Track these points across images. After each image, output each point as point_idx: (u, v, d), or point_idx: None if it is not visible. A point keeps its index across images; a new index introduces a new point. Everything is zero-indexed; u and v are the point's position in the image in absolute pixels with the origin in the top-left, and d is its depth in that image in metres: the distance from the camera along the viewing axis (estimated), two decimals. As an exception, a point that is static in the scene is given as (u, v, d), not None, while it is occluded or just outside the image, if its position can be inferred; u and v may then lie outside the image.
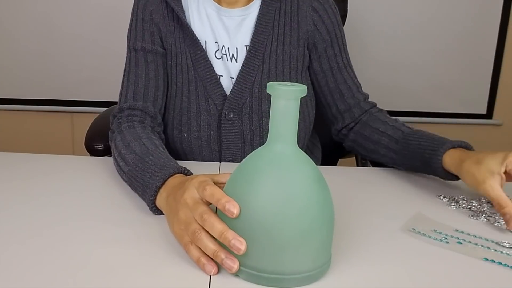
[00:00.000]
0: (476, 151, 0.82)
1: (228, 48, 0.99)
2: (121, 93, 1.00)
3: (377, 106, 1.04)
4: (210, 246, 0.56)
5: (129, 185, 0.79)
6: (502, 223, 0.74)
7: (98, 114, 1.32)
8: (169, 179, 0.71)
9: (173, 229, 0.63)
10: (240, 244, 0.53)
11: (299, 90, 0.53)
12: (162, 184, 0.71)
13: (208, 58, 0.98)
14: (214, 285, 0.54)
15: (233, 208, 0.54)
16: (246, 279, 0.54)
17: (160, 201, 0.70)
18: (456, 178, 0.84)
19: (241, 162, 0.57)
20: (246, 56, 0.98)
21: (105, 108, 1.39)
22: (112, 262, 0.58)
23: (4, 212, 0.70)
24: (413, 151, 0.89)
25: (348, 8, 1.49)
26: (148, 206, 0.72)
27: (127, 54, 1.02)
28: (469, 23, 2.05)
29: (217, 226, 0.55)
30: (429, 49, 2.06)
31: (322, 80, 1.03)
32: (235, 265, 0.54)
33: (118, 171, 0.85)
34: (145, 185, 0.73)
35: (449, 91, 2.12)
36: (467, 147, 0.84)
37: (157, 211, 0.71)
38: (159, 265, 0.58)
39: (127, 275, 0.55)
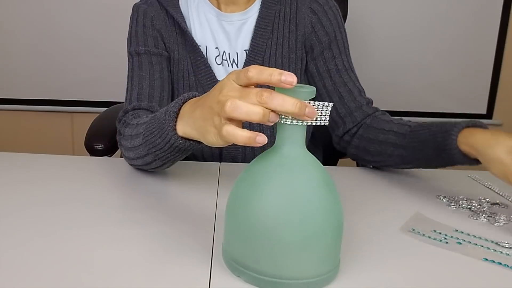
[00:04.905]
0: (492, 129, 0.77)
1: (229, 54, 0.99)
2: (125, 98, 0.97)
3: (380, 110, 1.00)
4: (253, 108, 0.51)
5: (148, 144, 0.75)
6: (502, 223, 0.74)
7: (98, 114, 1.32)
8: (187, 102, 0.67)
9: (213, 136, 0.58)
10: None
11: (308, 92, 0.53)
12: (181, 107, 0.67)
13: (209, 64, 0.98)
14: (214, 286, 0.54)
15: (290, 77, 0.50)
16: (247, 281, 0.54)
17: (183, 121, 0.66)
18: (475, 161, 0.78)
19: (249, 163, 0.57)
20: (245, 60, 0.99)
21: (105, 108, 1.39)
22: (112, 262, 0.58)
23: (4, 212, 0.70)
24: (424, 140, 0.83)
25: (349, 8, 1.49)
26: (170, 135, 0.68)
27: (129, 60, 1.00)
28: (469, 23, 2.05)
29: (288, 98, 0.50)
30: (429, 49, 2.06)
31: (319, 83, 1.01)
32: (277, 116, 0.52)
33: (134, 158, 0.82)
34: (162, 119, 0.70)
35: (449, 91, 2.12)
36: (482, 126, 0.79)
37: (180, 138, 0.68)
38: (159, 265, 0.58)
39: (127, 275, 0.55)
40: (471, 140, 0.76)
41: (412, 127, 0.88)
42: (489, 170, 0.74)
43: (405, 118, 0.94)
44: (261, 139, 0.52)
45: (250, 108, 0.51)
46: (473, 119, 0.80)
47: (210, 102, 0.57)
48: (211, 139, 0.59)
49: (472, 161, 0.79)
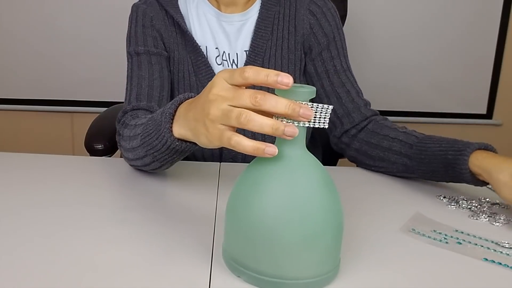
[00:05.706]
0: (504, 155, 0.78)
1: (229, 54, 1.00)
2: (125, 98, 0.97)
3: (379, 113, 1.00)
4: (266, 121, 0.51)
5: (146, 146, 0.74)
6: (502, 223, 0.74)
7: (98, 114, 1.32)
8: (183, 103, 0.67)
9: (204, 138, 0.58)
10: (309, 111, 0.50)
11: (308, 91, 0.52)
12: (177, 108, 0.67)
13: (209, 64, 0.99)
14: (214, 286, 0.54)
15: (287, 78, 0.49)
16: (247, 281, 0.54)
17: (179, 123, 0.66)
18: (481, 182, 0.79)
19: (250, 164, 0.57)
20: (245, 61, 0.99)
21: (105, 108, 1.39)
22: (112, 262, 0.58)
23: (4, 213, 0.70)
24: (432, 154, 0.83)
25: (348, 8, 1.49)
26: (166, 136, 0.68)
27: (128, 60, 1.00)
28: (469, 23, 2.05)
29: (281, 99, 0.50)
30: (429, 49, 2.06)
31: (317, 83, 1.01)
32: (296, 130, 0.51)
33: (133, 159, 0.82)
34: (159, 120, 0.69)
35: (449, 91, 2.12)
36: (492, 149, 0.80)
37: (177, 140, 0.68)
38: (159, 265, 0.58)
39: (127, 275, 0.55)
40: (482, 162, 0.76)
41: (419, 138, 0.88)
42: (498, 194, 0.74)
43: (405, 119, 0.95)
44: (271, 150, 0.51)
45: (264, 120, 0.51)
46: (484, 143, 0.80)
47: (202, 103, 0.57)
48: (203, 140, 0.59)
49: (479, 182, 0.79)
